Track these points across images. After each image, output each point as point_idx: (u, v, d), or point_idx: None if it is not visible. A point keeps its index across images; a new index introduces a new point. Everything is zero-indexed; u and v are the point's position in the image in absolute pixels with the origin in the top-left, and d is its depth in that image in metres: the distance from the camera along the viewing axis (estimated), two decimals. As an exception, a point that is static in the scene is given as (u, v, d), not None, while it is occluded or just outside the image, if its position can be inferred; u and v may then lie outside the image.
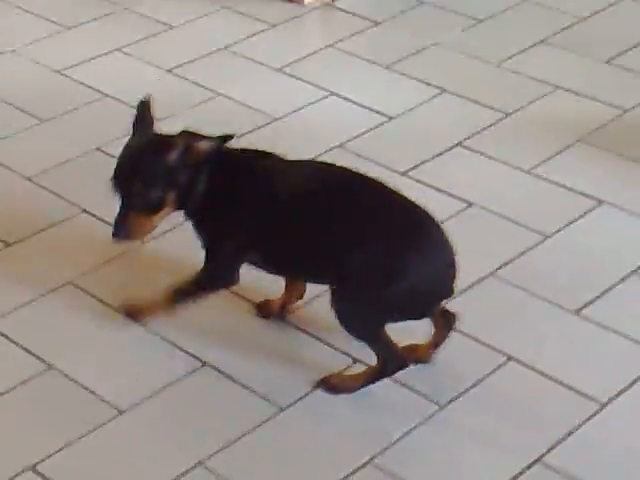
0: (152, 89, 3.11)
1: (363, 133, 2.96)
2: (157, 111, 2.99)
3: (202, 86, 3.13)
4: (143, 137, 2.15)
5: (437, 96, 3.11)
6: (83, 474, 2.01)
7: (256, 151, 2.19)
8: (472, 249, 2.52)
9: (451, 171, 2.81)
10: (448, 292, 2.11)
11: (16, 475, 1.99)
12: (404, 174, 2.80)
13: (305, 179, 2.12)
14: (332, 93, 3.12)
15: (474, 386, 2.19)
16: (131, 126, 2.18)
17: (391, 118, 3.02)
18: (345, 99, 3.10)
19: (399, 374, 2.16)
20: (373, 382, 2.14)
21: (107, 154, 2.78)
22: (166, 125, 2.95)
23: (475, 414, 2.13)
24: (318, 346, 2.28)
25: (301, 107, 3.05)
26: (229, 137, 2.07)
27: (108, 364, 2.23)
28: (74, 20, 3.44)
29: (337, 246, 2.05)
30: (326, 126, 2.98)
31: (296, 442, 2.08)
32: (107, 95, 3.07)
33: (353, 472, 2.02)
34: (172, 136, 2.10)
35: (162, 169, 2.07)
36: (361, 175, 2.15)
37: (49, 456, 2.03)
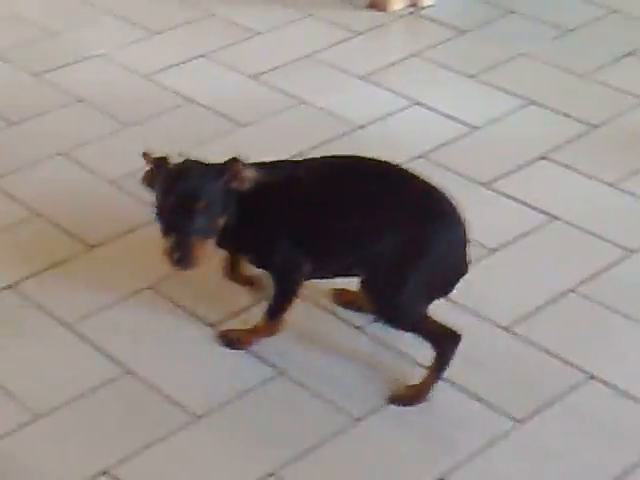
0: (236, 95, 3.14)
1: (446, 143, 2.93)
2: (240, 117, 3.01)
3: (286, 93, 3.13)
4: (190, 164, 2.13)
5: (523, 107, 3.08)
6: (157, 479, 2.02)
7: (263, 163, 2.21)
8: (554, 263, 2.48)
9: (534, 183, 2.78)
10: (465, 268, 2.16)
11: (92, 478, 2.01)
12: (486, 185, 2.77)
13: (320, 172, 2.19)
14: (416, 102, 3.10)
15: (553, 403, 2.16)
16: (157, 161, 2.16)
17: (475, 128, 2.99)
18: (429, 108, 3.08)
19: (478, 387, 2.13)
20: (442, 373, 2.14)
21: (190, 159, 2.80)
22: (249, 132, 2.98)
23: (553, 432, 2.10)
24: (395, 356, 2.27)
25: (384, 116, 3.04)
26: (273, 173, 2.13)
27: (186, 369, 2.24)
28: (162, 25, 3.47)
29: (363, 235, 2.10)
30: (409, 135, 2.96)
31: (369, 454, 2.06)
32: (192, 100, 3.09)
33: (426, 486, 2.00)
34: (224, 163, 2.12)
35: (221, 194, 2.09)
36: (370, 160, 2.20)
37: (124, 460, 2.04)
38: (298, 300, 2.24)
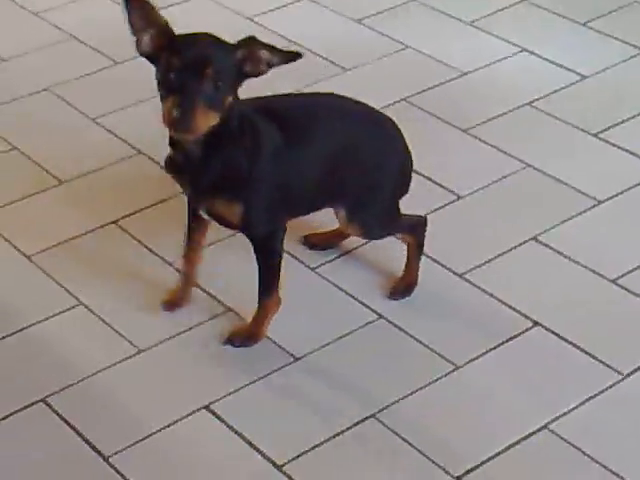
0: (340, 39, 3.10)
1: (554, 92, 2.86)
2: (344, 61, 2.97)
3: (391, 38, 3.09)
4: (204, 34, 1.99)
5: (636, 56, 2.99)
6: (252, 415, 2.03)
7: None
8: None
9: (646, 134, 2.71)
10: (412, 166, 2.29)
11: (190, 414, 2.03)
12: (595, 135, 2.70)
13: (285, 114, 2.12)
14: (524, 49, 3.03)
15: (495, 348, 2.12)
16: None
17: (585, 77, 2.92)
18: (537, 56, 3.01)
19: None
20: (421, 254, 2.29)
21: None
22: (354, 76, 2.94)
23: (491, 375, 2.08)
24: (495, 306, 2.24)
25: (491, 62, 2.98)
26: (297, 55, 1.96)
27: (285, 311, 2.23)
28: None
29: (342, 173, 2.13)
30: (516, 83, 2.90)
31: (469, 401, 2.04)
32: (294, 42, 3.06)
33: (526, 437, 1.97)
34: (241, 40, 1.97)
35: (233, 65, 1.94)
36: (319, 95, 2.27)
37: (227, 395, 2.06)
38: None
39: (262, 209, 2.08)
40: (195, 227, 2.21)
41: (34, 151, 2.70)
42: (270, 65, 1.97)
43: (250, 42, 1.97)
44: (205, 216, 2.12)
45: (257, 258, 2.13)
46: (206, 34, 1.99)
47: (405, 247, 2.29)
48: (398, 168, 2.22)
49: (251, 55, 1.96)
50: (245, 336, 2.17)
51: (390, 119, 2.24)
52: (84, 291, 2.29)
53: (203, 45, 1.96)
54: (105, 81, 2.95)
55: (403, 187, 2.25)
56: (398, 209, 2.24)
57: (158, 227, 2.46)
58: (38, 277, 2.33)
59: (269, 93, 2.19)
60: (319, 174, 2.12)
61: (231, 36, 1.98)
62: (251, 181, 2.04)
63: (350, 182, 2.15)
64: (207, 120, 1.92)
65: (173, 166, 2.09)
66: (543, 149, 2.68)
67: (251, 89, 2.02)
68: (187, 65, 1.91)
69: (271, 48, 1.96)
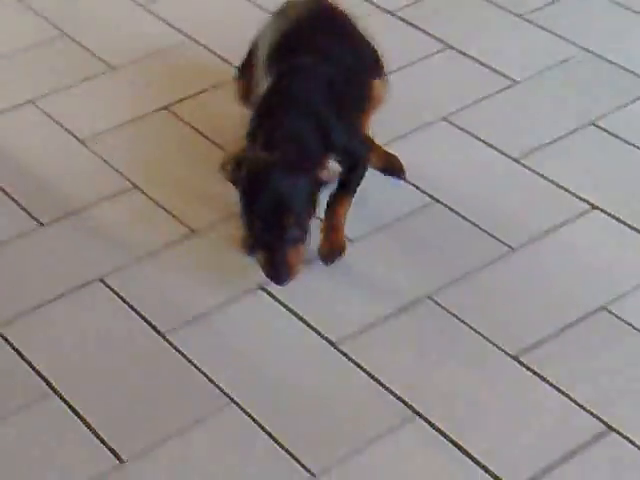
0: None
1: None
2: None
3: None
4: (281, 160, 1.96)
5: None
6: (307, 295, 2.03)
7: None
8: None
9: None
10: None
11: (245, 293, 2.03)
12: (655, 20, 2.64)
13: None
14: None
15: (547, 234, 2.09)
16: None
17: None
18: None
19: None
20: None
21: None
22: None
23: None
24: (552, 190, 2.22)
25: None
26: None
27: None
28: None
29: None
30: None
31: (526, 283, 2.03)
32: None
33: (583, 317, 1.96)
34: (303, 162, 1.97)
35: (308, 194, 1.95)
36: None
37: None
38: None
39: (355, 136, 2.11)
40: None
41: (84, 37, 2.69)
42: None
43: (319, 162, 1.98)
44: None
45: (349, 173, 2.10)
46: (275, 170, 1.93)
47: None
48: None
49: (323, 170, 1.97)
50: (338, 250, 2.10)
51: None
52: (137, 175, 2.29)
53: (275, 191, 1.91)
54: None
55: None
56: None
57: (209, 112, 2.44)
58: (92, 161, 2.33)
59: None
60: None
61: None
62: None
63: None
64: (299, 257, 1.94)
65: None
66: (599, 33, 2.61)
67: None
68: (266, 223, 1.91)
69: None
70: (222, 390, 1.86)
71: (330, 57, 2.11)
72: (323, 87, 2.06)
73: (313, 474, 1.73)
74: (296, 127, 2.00)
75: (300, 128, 2.00)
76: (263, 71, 2.11)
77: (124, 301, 2.02)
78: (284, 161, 1.95)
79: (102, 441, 1.79)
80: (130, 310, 2.00)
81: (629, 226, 2.13)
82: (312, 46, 2.12)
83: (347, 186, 2.11)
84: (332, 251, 2.09)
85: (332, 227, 2.10)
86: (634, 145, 2.31)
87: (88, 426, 1.81)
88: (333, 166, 2.01)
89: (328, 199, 2.10)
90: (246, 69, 2.25)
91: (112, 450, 1.77)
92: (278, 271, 1.93)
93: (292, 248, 1.93)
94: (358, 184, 2.13)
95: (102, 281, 2.06)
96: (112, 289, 2.04)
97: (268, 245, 1.93)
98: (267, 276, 1.96)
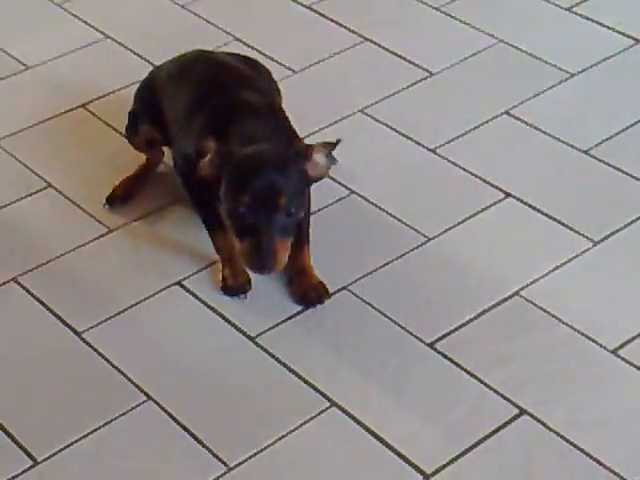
0: None
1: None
2: None
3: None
4: (270, 148, 1.92)
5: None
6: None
7: None
8: None
9: None
10: None
11: (162, 290, 2.03)
12: (568, 9, 2.67)
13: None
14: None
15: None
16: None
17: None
18: None
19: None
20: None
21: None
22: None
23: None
24: (467, 179, 2.24)
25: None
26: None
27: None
28: None
29: None
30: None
31: (441, 271, 2.05)
32: None
33: (498, 303, 1.98)
34: (299, 149, 1.94)
35: (299, 180, 1.90)
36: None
37: (193, 274, 2.05)
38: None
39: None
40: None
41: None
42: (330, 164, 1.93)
43: (308, 149, 1.91)
44: None
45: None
46: (264, 150, 1.90)
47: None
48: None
49: (311, 162, 1.91)
50: (319, 291, 2.03)
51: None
52: (53, 174, 2.27)
53: (269, 171, 1.86)
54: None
55: None
56: None
57: (125, 111, 2.43)
58: (7, 161, 2.31)
59: None
60: None
61: None
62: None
63: None
64: (286, 249, 1.87)
65: None
66: (514, 24, 2.65)
67: None
68: (258, 202, 1.84)
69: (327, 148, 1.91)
70: (138, 387, 1.85)
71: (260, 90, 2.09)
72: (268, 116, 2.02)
73: (228, 466, 1.73)
74: (266, 129, 1.96)
75: (270, 130, 1.96)
76: (187, 112, 2.05)
77: (38, 300, 2.01)
78: (276, 151, 1.91)
79: (15, 441, 1.77)
80: (45, 309, 1.99)
81: (541, 212, 2.16)
82: (240, 82, 2.08)
83: (300, 235, 2.02)
84: (306, 293, 2.01)
85: (299, 272, 2.03)
86: (546, 133, 2.35)
87: (1, 426, 1.80)
88: (321, 161, 1.92)
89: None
90: (146, 116, 2.20)
91: (25, 450, 1.76)
92: (264, 256, 1.84)
93: (280, 238, 1.85)
94: (308, 228, 2.06)
95: (16, 281, 2.04)
96: (26, 289, 2.03)
97: (256, 231, 1.85)
98: (249, 263, 1.87)
